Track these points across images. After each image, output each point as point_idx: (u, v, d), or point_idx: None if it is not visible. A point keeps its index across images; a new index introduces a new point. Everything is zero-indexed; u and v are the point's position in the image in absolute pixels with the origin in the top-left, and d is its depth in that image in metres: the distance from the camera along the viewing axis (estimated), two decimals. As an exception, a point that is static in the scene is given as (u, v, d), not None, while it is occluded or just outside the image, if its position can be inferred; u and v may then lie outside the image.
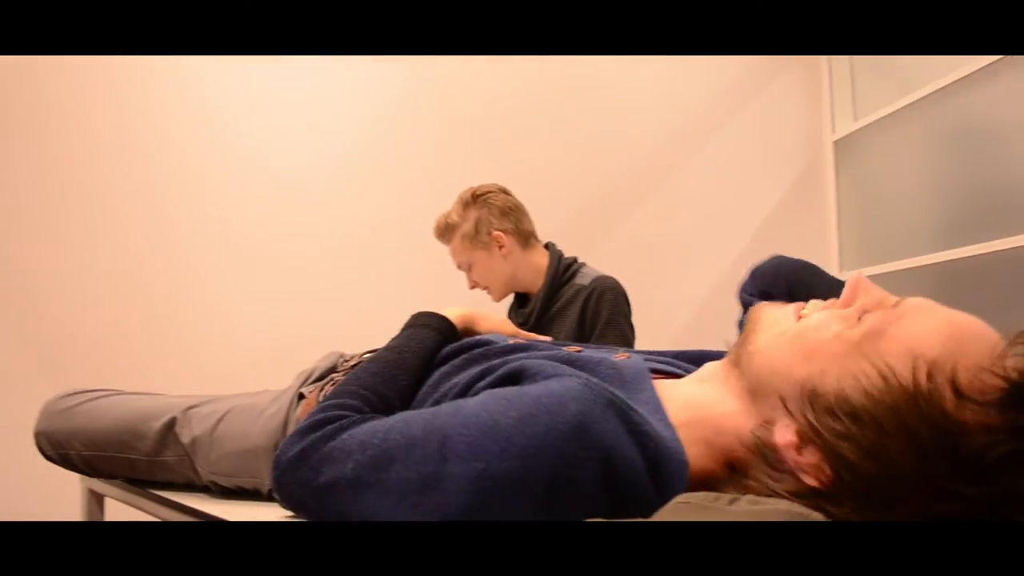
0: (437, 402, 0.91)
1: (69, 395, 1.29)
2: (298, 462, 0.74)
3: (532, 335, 1.18)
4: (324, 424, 0.78)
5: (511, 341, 1.03)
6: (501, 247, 1.96)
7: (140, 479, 1.25)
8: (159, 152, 2.58)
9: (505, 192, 2.02)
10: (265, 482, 1.11)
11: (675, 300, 3.04)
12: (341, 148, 2.76)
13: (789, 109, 3.30)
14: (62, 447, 1.27)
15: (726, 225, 3.17)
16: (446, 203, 2.79)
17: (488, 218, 1.96)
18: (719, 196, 3.18)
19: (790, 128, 3.30)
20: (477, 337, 1.07)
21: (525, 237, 2.00)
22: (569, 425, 0.65)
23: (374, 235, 2.74)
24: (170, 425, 1.18)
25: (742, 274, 1.28)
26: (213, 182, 2.62)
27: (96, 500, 1.60)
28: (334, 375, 1.19)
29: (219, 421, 1.16)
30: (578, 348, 1.00)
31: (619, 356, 0.92)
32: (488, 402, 0.71)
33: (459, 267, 2.06)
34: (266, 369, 2.46)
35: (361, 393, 0.88)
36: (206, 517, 1.05)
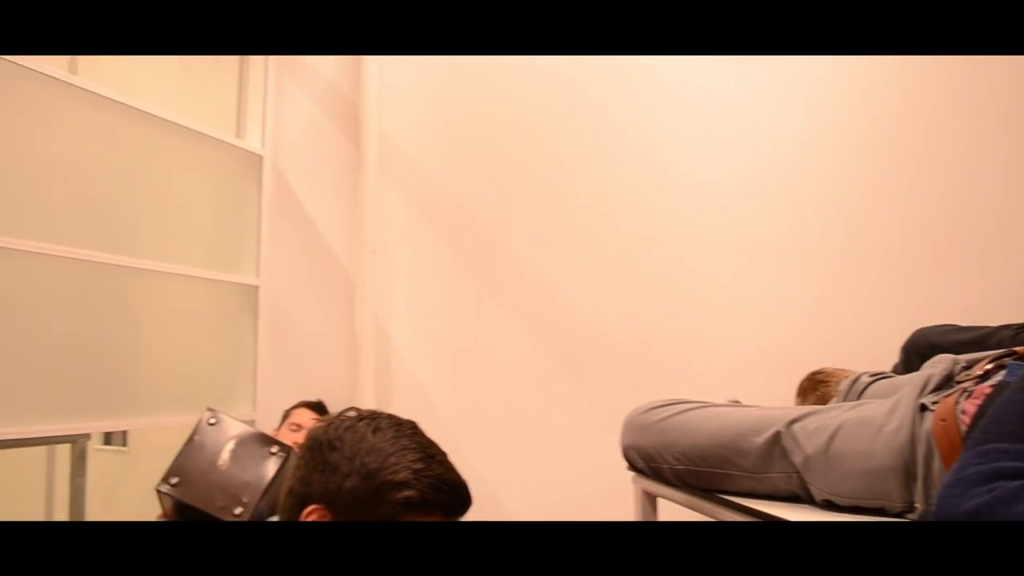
0: None
1: (654, 408, 1.35)
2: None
3: None
4: (997, 477, 0.72)
5: None
6: None
7: (736, 493, 1.26)
8: (659, 160, 2.69)
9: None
10: (894, 503, 1.05)
11: None
12: (826, 148, 2.60)
13: None
14: (654, 461, 1.32)
15: None
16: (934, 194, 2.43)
17: None
18: None
19: None
20: None
21: None
22: None
23: (875, 235, 2.54)
24: (774, 440, 1.17)
25: None
26: (710, 188, 2.66)
27: (649, 501, 1.66)
28: (962, 385, 1.08)
29: (832, 438, 1.12)
30: None
31: None
32: None
33: None
34: (767, 375, 2.47)
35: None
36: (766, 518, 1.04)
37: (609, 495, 2.44)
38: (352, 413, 1.12)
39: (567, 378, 2.66)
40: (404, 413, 2.61)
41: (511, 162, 2.79)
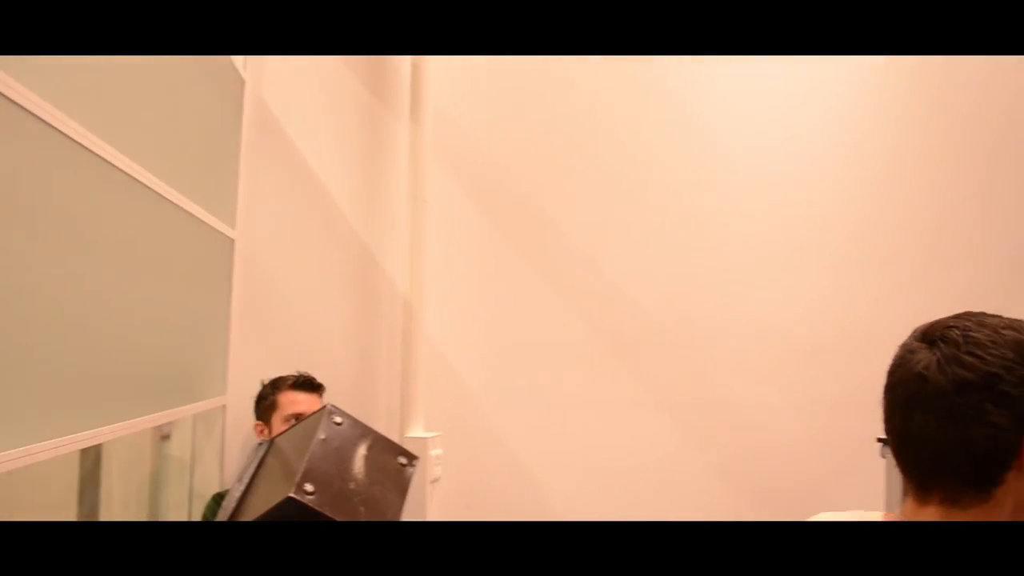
0: None
1: None
2: None
3: None
4: None
5: None
6: None
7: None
8: (712, 156, 2.62)
9: None
10: None
11: None
12: (876, 148, 2.61)
13: None
14: None
15: None
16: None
17: None
18: None
19: None
20: None
21: None
22: None
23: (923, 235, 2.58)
24: None
25: None
26: (761, 182, 2.61)
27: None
28: None
29: None
30: None
31: None
32: None
33: None
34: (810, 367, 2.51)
35: None
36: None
37: (654, 474, 2.50)
38: None
39: (612, 359, 2.56)
40: (435, 393, 2.45)
41: (562, 136, 2.64)
